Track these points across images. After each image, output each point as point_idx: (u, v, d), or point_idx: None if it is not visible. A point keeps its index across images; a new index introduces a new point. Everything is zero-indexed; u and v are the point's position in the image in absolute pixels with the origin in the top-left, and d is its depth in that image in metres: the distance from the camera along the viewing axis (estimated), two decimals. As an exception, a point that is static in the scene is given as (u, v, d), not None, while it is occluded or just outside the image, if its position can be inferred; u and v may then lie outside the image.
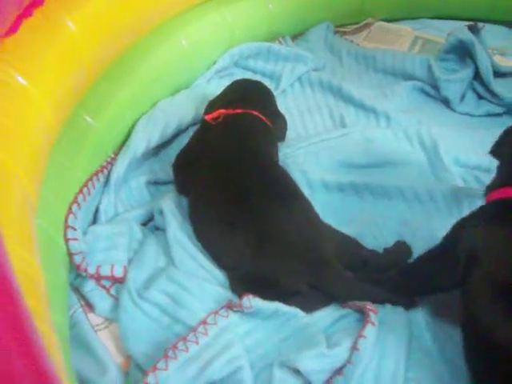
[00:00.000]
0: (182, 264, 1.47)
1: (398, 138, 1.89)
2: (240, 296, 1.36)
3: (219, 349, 1.27)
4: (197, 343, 1.28)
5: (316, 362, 1.23)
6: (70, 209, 1.45)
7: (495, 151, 1.42)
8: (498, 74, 2.19)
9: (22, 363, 0.68)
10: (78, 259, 1.41)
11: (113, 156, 1.70)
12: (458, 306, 1.26)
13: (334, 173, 1.76)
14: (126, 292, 1.39)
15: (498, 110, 2.09)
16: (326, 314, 1.37)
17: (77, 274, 1.45)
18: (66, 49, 1.42)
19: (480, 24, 2.22)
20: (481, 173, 1.77)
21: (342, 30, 2.54)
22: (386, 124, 2.01)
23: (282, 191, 1.51)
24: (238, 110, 1.69)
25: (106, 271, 1.43)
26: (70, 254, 1.41)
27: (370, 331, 1.28)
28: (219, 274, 1.46)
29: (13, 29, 1.30)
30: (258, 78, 2.05)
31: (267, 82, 2.05)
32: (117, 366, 1.31)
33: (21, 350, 0.69)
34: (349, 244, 1.49)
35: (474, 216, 1.31)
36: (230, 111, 1.68)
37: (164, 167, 1.75)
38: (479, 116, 2.10)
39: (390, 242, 1.55)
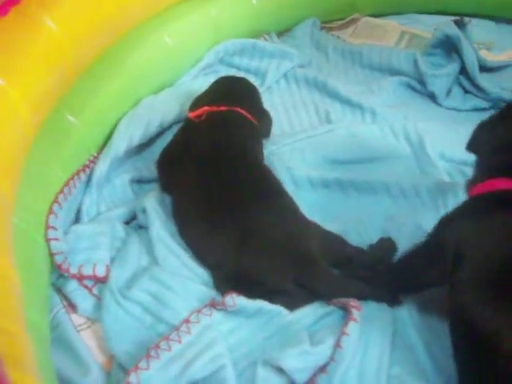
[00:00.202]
0: (165, 263, 1.46)
1: (384, 134, 1.88)
2: (223, 294, 1.35)
3: (202, 347, 1.26)
4: (179, 342, 1.27)
5: (299, 360, 1.22)
6: (51, 208, 1.44)
7: (471, 146, 1.41)
8: (485, 68, 2.18)
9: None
10: (59, 259, 1.40)
11: (95, 155, 1.69)
12: (446, 300, 1.25)
13: (319, 169, 1.75)
14: (109, 291, 1.38)
15: (485, 104, 2.08)
16: (310, 312, 1.36)
17: (59, 274, 1.44)
18: (45, 48, 1.41)
19: (466, 19, 2.22)
20: (467, 167, 1.74)
21: (328, 25, 2.52)
22: (372, 120, 2.00)
23: (265, 189, 1.50)
24: (222, 108, 1.68)
25: (88, 271, 1.42)
26: (51, 254, 1.40)
27: (352, 328, 1.27)
28: (203, 273, 1.45)
29: (-12, 27, 1.29)
30: (242, 74, 2.03)
31: (252, 79, 2.04)
32: (99, 366, 1.30)
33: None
34: (333, 241, 1.48)
35: (458, 211, 1.30)
36: (214, 108, 1.67)
37: (148, 165, 1.74)
38: (466, 111, 2.08)
39: (374, 238, 1.54)
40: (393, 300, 1.39)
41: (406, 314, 1.38)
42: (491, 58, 2.30)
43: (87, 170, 1.63)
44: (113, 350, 1.31)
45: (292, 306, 1.36)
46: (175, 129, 1.80)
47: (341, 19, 2.53)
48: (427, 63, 2.17)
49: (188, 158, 1.58)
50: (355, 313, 1.30)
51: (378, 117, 2.00)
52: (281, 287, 1.36)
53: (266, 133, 1.82)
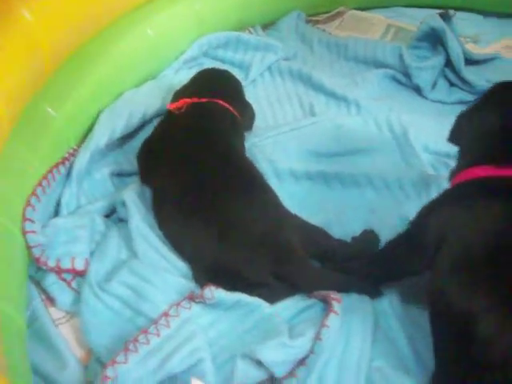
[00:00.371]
0: (144, 256, 1.44)
1: (368, 126, 1.87)
2: (202, 287, 1.33)
3: (180, 341, 1.25)
4: (158, 336, 1.26)
5: (278, 352, 1.21)
6: (29, 201, 1.42)
7: (452, 138, 1.42)
8: (471, 61, 2.18)
9: None
10: (36, 252, 1.39)
11: (75, 148, 1.67)
12: (426, 286, 1.25)
13: (302, 162, 1.74)
14: (88, 285, 1.36)
15: (470, 97, 2.07)
16: (291, 305, 1.35)
17: (38, 267, 1.42)
18: (21, 39, 1.39)
19: (451, 11, 2.20)
20: (450, 160, 1.74)
21: (314, 19, 2.51)
22: (357, 112, 1.99)
23: (246, 182, 1.49)
24: (203, 99, 1.67)
25: (66, 264, 1.41)
26: (29, 247, 1.38)
27: (332, 320, 1.26)
28: (182, 266, 1.44)
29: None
30: (227, 67, 2.01)
31: (236, 72, 2.03)
32: (76, 360, 1.29)
33: None
34: (316, 234, 1.47)
35: (440, 200, 1.30)
36: (195, 100, 1.66)
37: (129, 158, 1.72)
38: (451, 103, 2.08)
39: (358, 230, 1.54)
40: (374, 292, 1.38)
41: (388, 305, 1.37)
42: (477, 51, 2.30)
43: (67, 163, 1.61)
44: (91, 343, 1.29)
45: (272, 298, 1.35)
46: (156, 122, 1.77)
47: (326, 12, 2.52)
48: (413, 56, 2.17)
49: (168, 150, 1.57)
50: (336, 305, 1.29)
51: (363, 109, 1.99)
52: (260, 280, 1.35)
53: (249, 125, 1.81)
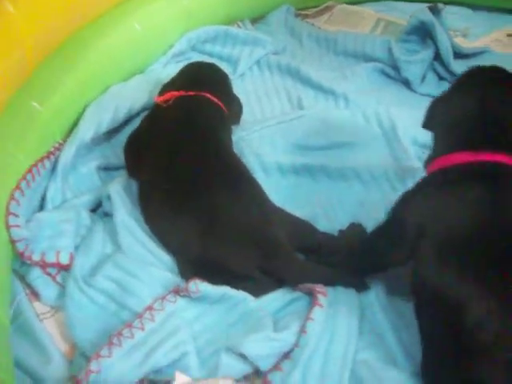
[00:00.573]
0: (129, 250, 1.44)
1: (356, 119, 1.87)
2: (187, 281, 1.33)
3: (165, 335, 1.25)
4: (142, 329, 1.25)
5: (262, 346, 1.21)
6: (13, 195, 1.41)
7: (427, 124, 1.41)
8: (460, 55, 2.18)
9: None
10: (20, 246, 1.38)
11: (61, 142, 1.66)
12: (411, 276, 1.25)
13: (289, 155, 1.73)
14: (72, 279, 1.36)
15: (459, 90, 2.06)
16: (276, 298, 1.35)
17: (22, 262, 1.42)
18: (3, 32, 1.38)
19: (440, 5, 2.21)
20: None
21: (303, 13, 2.51)
22: (345, 105, 1.99)
23: (232, 175, 1.48)
24: (191, 93, 1.66)
25: (51, 258, 1.40)
26: (13, 242, 1.38)
27: (317, 313, 1.26)
28: (168, 260, 1.43)
29: None
30: (215, 62, 2.00)
31: (225, 66, 2.02)
32: (61, 355, 1.28)
33: None
34: (302, 227, 1.47)
35: (417, 189, 1.30)
36: (182, 93, 1.65)
37: (116, 152, 1.72)
38: (440, 97, 2.07)
39: (345, 223, 1.53)
40: (360, 285, 1.38)
41: (374, 298, 1.37)
42: (467, 44, 2.30)
43: (52, 157, 1.60)
44: (76, 338, 1.29)
45: (258, 292, 1.35)
46: (143, 116, 1.76)
47: (316, 6, 2.52)
48: (402, 49, 2.17)
49: (155, 143, 1.56)
50: (321, 298, 1.29)
51: (351, 103, 1.99)
52: (246, 273, 1.34)
53: (236, 119, 1.81)
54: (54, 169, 1.59)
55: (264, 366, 1.21)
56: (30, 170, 1.49)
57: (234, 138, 1.73)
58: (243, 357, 1.21)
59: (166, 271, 1.40)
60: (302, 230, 1.46)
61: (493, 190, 1.18)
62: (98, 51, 1.81)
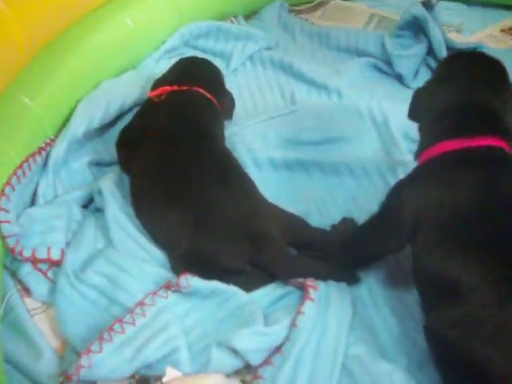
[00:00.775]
0: (121, 245, 1.43)
1: (349, 114, 1.86)
2: (178, 275, 1.32)
3: (156, 330, 1.24)
4: (134, 324, 1.25)
5: (253, 340, 1.21)
6: (3, 191, 1.41)
7: (412, 114, 1.41)
8: (453, 50, 2.16)
9: None
10: (11, 242, 1.38)
11: (52, 137, 1.65)
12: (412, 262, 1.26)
13: (281, 150, 1.73)
14: (63, 274, 1.36)
15: (452, 85, 2.06)
16: (267, 292, 1.35)
17: (13, 257, 1.41)
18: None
19: (434, 0, 2.20)
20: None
21: (296, 8, 2.51)
22: (338, 100, 1.98)
23: (224, 171, 1.48)
24: (183, 87, 1.66)
25: (42, 254, 1.40)
26: (3, 237, 1.37)
27: (308, 308, 1.26)
28: (160, 255, 1.43)
29: None
30: (208, 57, 2.00)
31: (218, 62, 2.02)
32: (52, 351, 1.28)
33: None
34: (294, 222, 1.47)
35: (411, 177, 1.31)
36: (175, 88, 1.65)
37: (108, 148, 1.72)
38: (433, 92, 2.07)
39: (337, 218, 1.53)
40: (352, 279, 1.38)
41: (366, 292, 1.37)
42: (461, 39, 2.30)
43: (43, 153, 1.59)
44: (66, 333, 1.28)
45: (249, 286, 1.34)
46: (135, 111, 1.76)
47: (309, 2, 2.51)
48: (395, 44, 2.17)
49: (147, 138, 1.55)
50: (312, 292, 1.29)
51: (344, 97, 1.99)
52: (237, 267, 1.34)
53: (229, 114, 1.80)
54: (45, 164, 1.59)
55: (255, 360, 1.21)
56: (20, 166, 1.49)
57: (227, 133, 1.72)
58: (234, 351, 1.21)
59: (157, 266, 1.40)
60: (294, 225, 1.46)
61: (485, 173, 1.20)
62: (90, 47, 1.80)
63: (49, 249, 1.41)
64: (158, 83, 1.73)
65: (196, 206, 1.39)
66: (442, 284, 1.15)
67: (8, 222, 1.38)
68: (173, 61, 1.93)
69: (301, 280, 1.33)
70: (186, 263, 1.35)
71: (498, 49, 2.26)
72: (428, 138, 1.34)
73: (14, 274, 1.41)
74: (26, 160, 1.52)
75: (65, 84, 1.70)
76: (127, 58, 1.98)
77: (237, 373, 1.23)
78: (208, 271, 1.33)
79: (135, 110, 1.78)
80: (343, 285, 1.37)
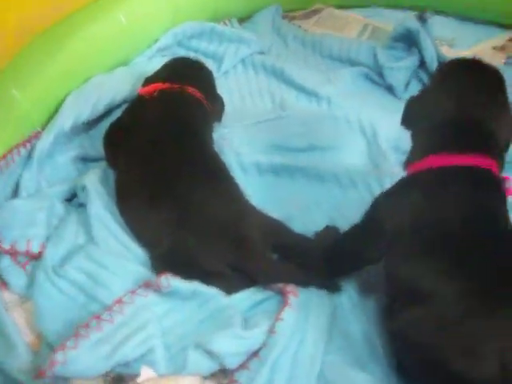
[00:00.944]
0: (102, 242, 1.42)
1: (338, 123, 1.86)
2: (158, 275, 1.31)
3: (134, 328, 1.23)
4: (111, 322, 1.24)
5: (230, 343, 1.20)
6: (-17, 182, 1.40)
7: (405, 122, 1.40)
8: (445, 64, 2.18)
9: None
10: (-10, 234, 1.36)
11: (39, 130, 1.64)
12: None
13: (268, 155, 1.72)
14: (42, 269, 1.35)
15: (442, 99, 2.07)
16: (248, 296, 1.34)
17: (-8, 250, 1.40)
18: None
19: (427, 14, 2.21)
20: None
21: (290, 14, 2.50)
22: (328, 108, 1.97)
23: (209, 172, 1.48)
24: (175, 86, 1.65)
25: (21, 247, 1.39)
26: (-18, 229, 1.36)
27: (288, 314, 1.26)
28: (141, 254, 1.42)
29: None
30: (200, 58, 1.99)
31: (209, 63, 2.00)
32: (25, 345, 1.27)
33: None
34: (276, 227, 1.46)
35: (397, 189, 1.31)
36: (167, 86, 1.64)
37: (94, 144, 1.70)
38: (423, 104, 2.07)
39: (321, 226, 1.52)
40: (332, 286, 1.37)
41: (346, 300, 1.37)
42: (452, 54, 2.30)
43: (28, 145, 1.58)
44: (42, 328, 1.27)
45: (229, 289, 1.34)
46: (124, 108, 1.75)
47: (303, 9, 2.51)
48: (388, 56, 2.16)
49: (135, 135, 1.54)
50: (291, 298, 1.28)
51: (334, 106, 1.98)
52: (217, 270, 1.34)
53: (218, 117, 1.80)
54: (29, 156, 1.58)
55: (231, 363, 1.20)
56: (4, 157, 1.47)
57: (215, 135, 1.71)
58: (211, 354, 1.20)
59: (139, 265, 1.39)
60: (276, 230, 1.46)
61: (464, 195, 1.21)
62: (82, 41, 1.79)
63: (29, 242, 1.40)
64: (149, 80, 1.72)
65: (179, 206, 1.38)
66: (408, 289, 1.17)
67: (-13, 213, 1.36)
68: (165, 59, 1.91)
69: (280, 285, 1.32)
70: (167, 263, 1.34)
71: (489, 66, 2.26)
72: (417, 149, 1.34)
73: (-8, 267, 1.40)
74: (10, 151, 1.51)
75: (55, 77, 1.70)
76: (119, 54, 1.96)
77: (213, 376, 1.22)
78: (189, 272, 1.32)
79: (124, 106, 1.77)
80: (323, 292, 1.36)
